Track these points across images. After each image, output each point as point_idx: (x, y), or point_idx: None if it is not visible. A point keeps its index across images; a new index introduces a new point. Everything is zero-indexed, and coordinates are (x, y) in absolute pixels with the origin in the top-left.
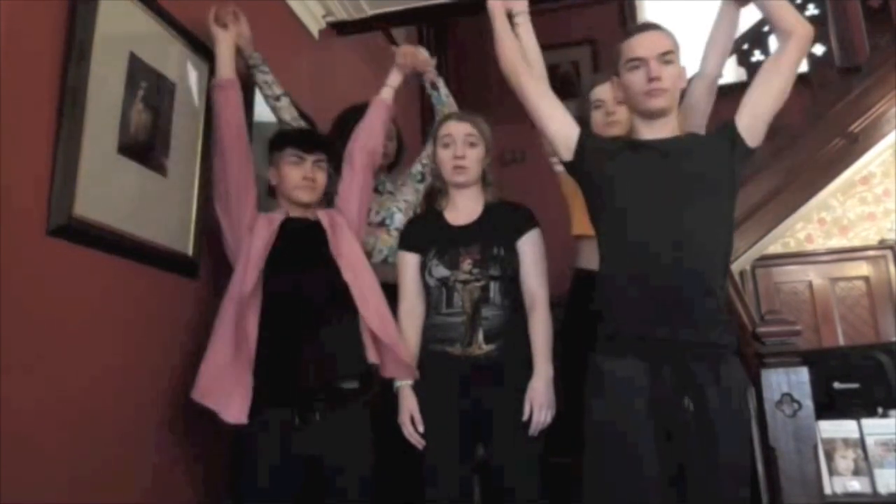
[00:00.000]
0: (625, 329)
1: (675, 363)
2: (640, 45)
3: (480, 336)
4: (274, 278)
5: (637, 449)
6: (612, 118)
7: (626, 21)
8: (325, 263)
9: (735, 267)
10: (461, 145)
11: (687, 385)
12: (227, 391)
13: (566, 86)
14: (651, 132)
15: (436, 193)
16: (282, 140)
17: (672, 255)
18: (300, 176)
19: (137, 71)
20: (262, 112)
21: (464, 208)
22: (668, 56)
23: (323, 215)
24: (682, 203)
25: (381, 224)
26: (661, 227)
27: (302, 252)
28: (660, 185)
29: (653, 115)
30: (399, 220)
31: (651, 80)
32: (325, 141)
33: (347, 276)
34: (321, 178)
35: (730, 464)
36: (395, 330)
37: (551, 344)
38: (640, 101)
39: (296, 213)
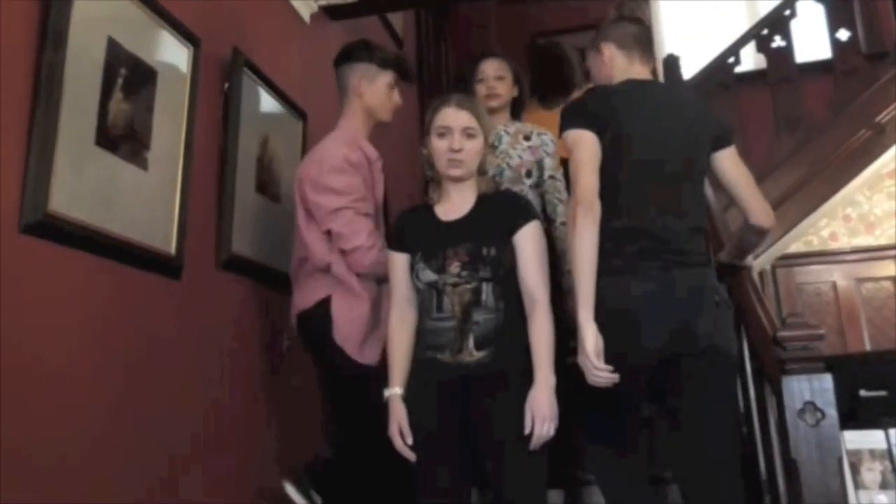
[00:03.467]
0: None
1: None
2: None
3: (471, 342)
4: None
5: None
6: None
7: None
8: None
9: (754, 266)
10: (459, 137)
11: None
12: None
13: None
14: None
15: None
16: (387, 60)
17: None
18: (394, 99)
19: (117, 57)
20: (248, 109)
21: (457, 201)
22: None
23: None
24: None
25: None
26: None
27: None
28: None
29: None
30: (508, 176)
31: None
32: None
33: None
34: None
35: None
36: None
37: (553, 349)
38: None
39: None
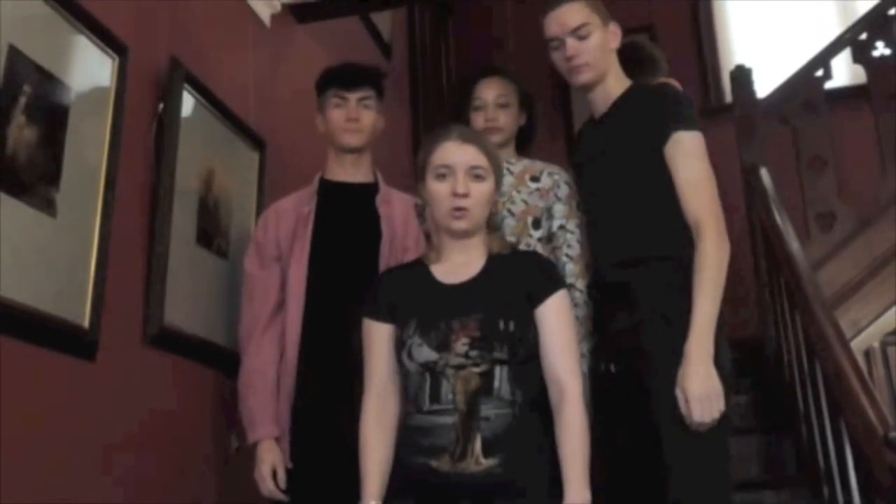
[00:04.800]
0: None
1: None
2: (552, 24)
3: (478, 445)
4: None
5: None
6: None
7: (699, 6)
8: None
9: (858, 344)
10: (463, 178)
11: None
12: None
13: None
14: (590, 104)
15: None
16: (323, 81)
17: None
18: (343, 118)
19: (19, 70)
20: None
21: (460, 263)
22: (583, 30)
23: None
24: None
25: None
26: None
27: None
28: None
29: (584, 90)
30: (510, 226)
31: (569, 58)
32: (371, 73)
33: None
34: (367, 117)
35: None
36: None
37: (588, 456)
38: (568, 78)
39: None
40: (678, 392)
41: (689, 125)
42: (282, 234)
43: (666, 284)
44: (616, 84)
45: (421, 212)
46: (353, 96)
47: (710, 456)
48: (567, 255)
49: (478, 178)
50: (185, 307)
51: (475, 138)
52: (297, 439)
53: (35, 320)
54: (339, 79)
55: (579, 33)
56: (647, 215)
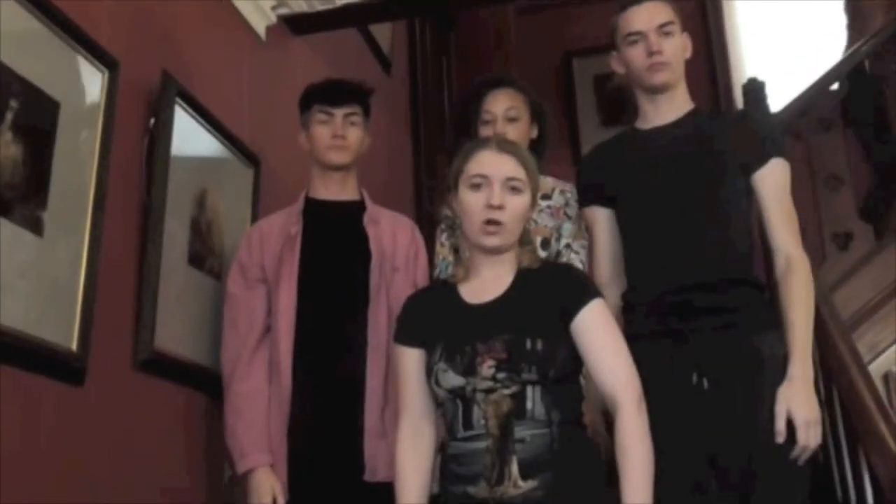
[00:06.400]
0: None
1: None
2: (636, 19)
3: (514, 468)
4: None
5: None
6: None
7: (707, 6)
8: None
9: (876, 368)
10: (500, 190)
11: None
12: None
13: None
14: (655, 109)
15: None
16: (307, 97)
17: None
18: (328, 134)
19: (5, 85)
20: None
21: (489, 280)
22: (668, 27)
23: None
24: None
25: None
26: None
27: None
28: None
29: (656, 91)
30: None
31: (651, 54)
32: (357, 89)
33: None
34: (354, 134)
35: None
36: None
37: (651, 474)
38: (643, 77)
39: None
40: (778, 411)
41: (785, 154)
42: (267, 255)
43: (761, 310)
44: (685, 95)
45: (451, 224)
46: (338, 112)
47: (801, 484)
48: None
49: (514, 190)
50: (177, 330)
51: (514, 149)
52: (294, 468)
53: (21, 344)
54: (324, 94)
55: (665, 30)
56: (735, 236)
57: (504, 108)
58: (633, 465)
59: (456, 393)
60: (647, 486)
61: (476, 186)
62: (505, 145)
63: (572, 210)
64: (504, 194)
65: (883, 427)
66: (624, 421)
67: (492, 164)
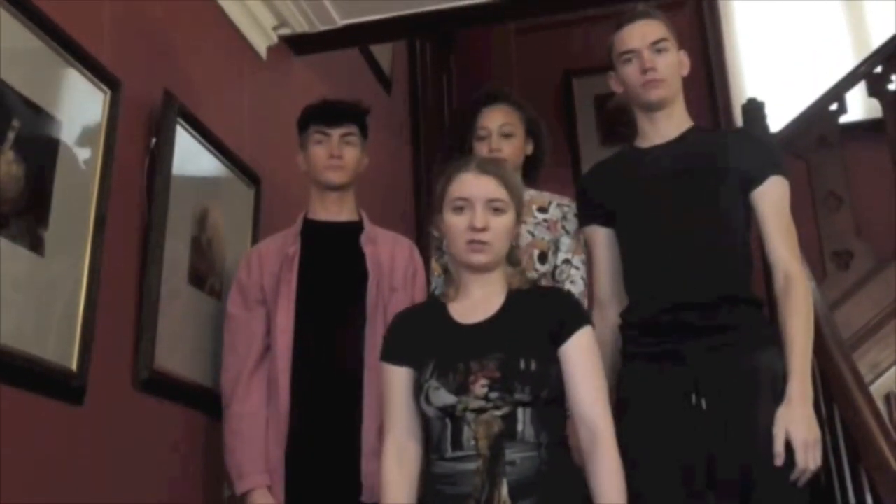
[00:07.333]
0: None
1: None
2: (630, 37)
3: (504, 490)
4: None
5: None
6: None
7: (706, 26)
8: None
9: (878, 388)
10: (482, 211)
11: None
12: None
13: None
14: (653, 127)
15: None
16: (304, 118)
17: None
18: (325, 154)
19: (8, 104)
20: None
21: (479, 300)
22: (662, 44)
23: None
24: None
25: None
26: None
27: None
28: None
29: (652, 108)
30: None
31: (645, 71)
32: (353, 109)
33: None
34: (351, 154)
35: None
36: None
37: (625, 500)
38: (638, 94)
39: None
40: (776, 433)
41: (785, 171)
42: (266, 276)
43: (760, 328)
44: (683, 112)
45: (439, 245)
46: (335, 132)
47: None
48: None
49: (497, 210)
50: (177, 350)
51: (495, 169)
52: (292, 489)
53: (21, 363)
54: (320, 115)
55: (658, 47)
56: (734, 254)
57: (499, 124)
58: (612, 493)
59: (446, 411)
60: None
61: (459, 209)
62: (485, 166)
63: (570, 224)
64: (487, 216)
65: (885, 447)
66: (605, 450)
67: (473, 187)
